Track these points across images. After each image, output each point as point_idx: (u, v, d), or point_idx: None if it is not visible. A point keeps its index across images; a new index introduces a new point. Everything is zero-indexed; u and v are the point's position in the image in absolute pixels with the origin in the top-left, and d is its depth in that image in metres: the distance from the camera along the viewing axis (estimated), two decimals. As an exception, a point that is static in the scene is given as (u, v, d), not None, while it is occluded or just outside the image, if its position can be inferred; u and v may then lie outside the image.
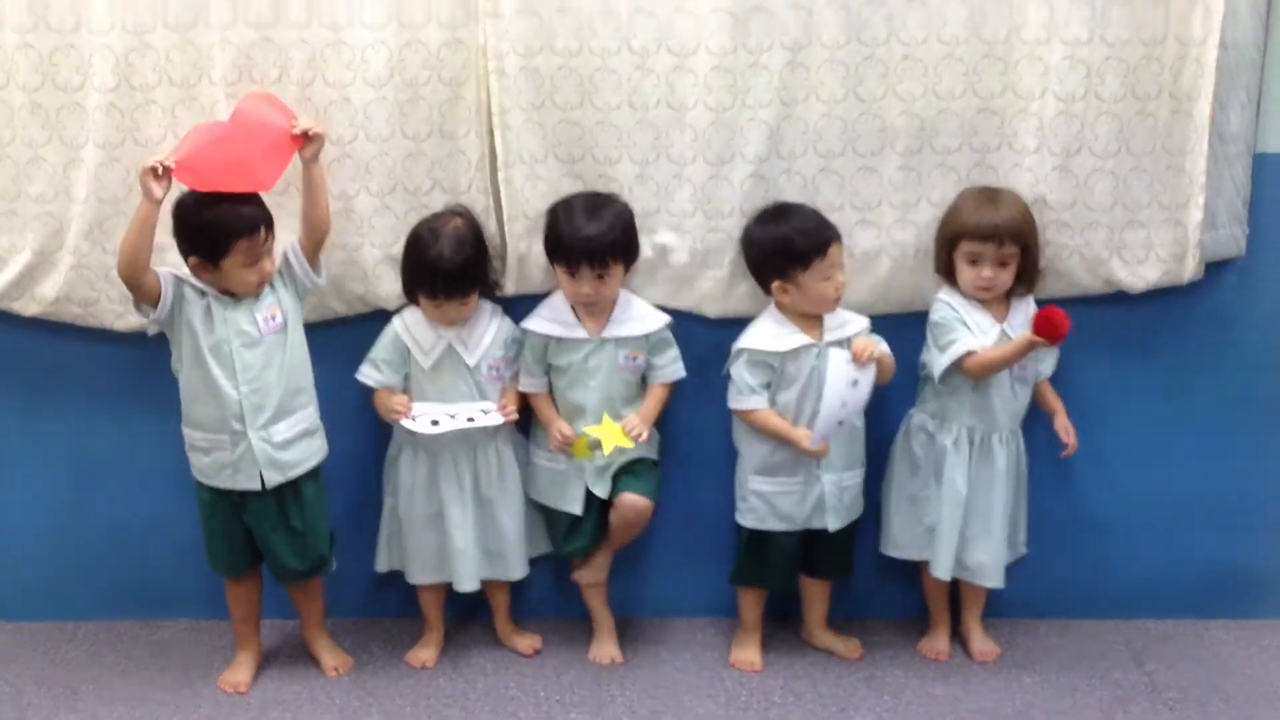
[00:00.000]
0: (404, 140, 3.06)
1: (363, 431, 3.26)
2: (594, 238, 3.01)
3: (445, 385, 3.11)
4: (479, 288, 3.10)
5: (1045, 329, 2.88)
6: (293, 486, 3.05)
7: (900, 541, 3.24)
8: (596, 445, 3.06)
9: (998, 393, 3.09)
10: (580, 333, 3.11)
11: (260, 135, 2.93)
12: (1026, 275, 3.07)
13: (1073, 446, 3.21)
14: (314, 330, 3.12)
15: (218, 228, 2.87)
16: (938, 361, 3.06)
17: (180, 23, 2.99)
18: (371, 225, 3.11)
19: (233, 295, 2.94)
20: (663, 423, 3.25)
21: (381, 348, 3.13)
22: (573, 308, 3.12)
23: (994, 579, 3.16)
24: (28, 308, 3.17)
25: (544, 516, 3.27)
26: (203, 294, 2.94)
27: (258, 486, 3.00)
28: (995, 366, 3.02)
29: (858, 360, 2.94)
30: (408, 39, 3.01)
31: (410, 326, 3.13)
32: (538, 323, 3.14)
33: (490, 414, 3.09)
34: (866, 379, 2.96)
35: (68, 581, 3.43)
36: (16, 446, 3.35)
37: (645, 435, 3.10)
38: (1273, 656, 3.26)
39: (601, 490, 3.15)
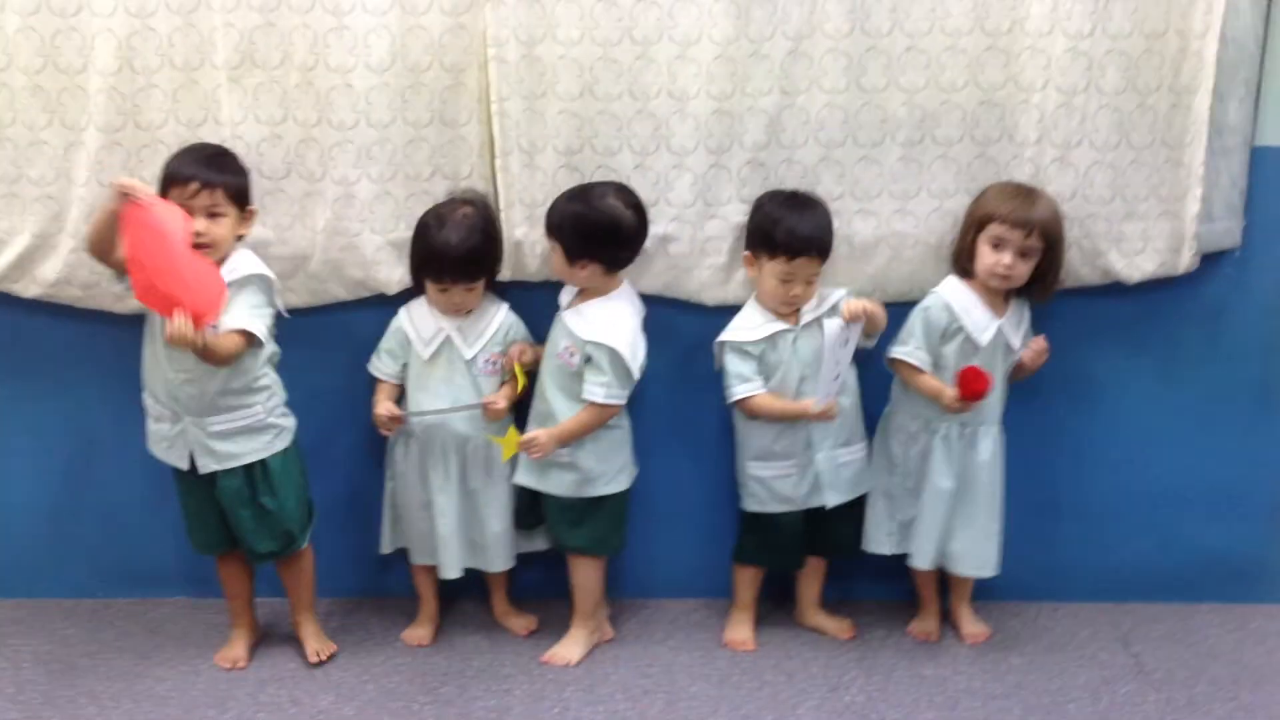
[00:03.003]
0: (405, 126, 3.06)
1: (369, 413, 3.25)
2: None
3: (441, 378, 3.12)
4: (485, 275, 3.09)
5: (969, 386, 2.98)
6: (261, 463, 3.04)
7: (874, 537, 3.25)
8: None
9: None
10: (565, 300, 3.14)
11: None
12: (1042, 283, 3.07)
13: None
14: (318, 315, 3.14)
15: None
16: (900, 351, 3.11)
17: (183, 6, 2.97)
18: (372, 211, 3.10)
19: None
20: (656, 407, 3.27)
21: (387, 337, 3.15)
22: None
23: (975, 568, 3.20)
24: (28, 290, 3.16)
25: None
26: None
27: (185, 467, 3.02)
28: (919, 389, 3.11)
29: (848, 316, 2.95)
30: (410, 24, 2.99)
31: (414, 317, 3.14)
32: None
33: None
34: (854, 334, 2.97)
35: (65, 559, 3.45)
36: (16, 426, 3.36)
37: (540, 451, 3.05)
38: (1259, 640, 3.30)
39: (519, 475, 3.18)
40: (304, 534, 3.14)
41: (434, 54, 3.02)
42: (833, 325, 2.96)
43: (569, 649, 3.23)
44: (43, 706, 2.99)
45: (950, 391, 3.03)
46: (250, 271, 2.94)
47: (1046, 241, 3.02)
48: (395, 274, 3.16)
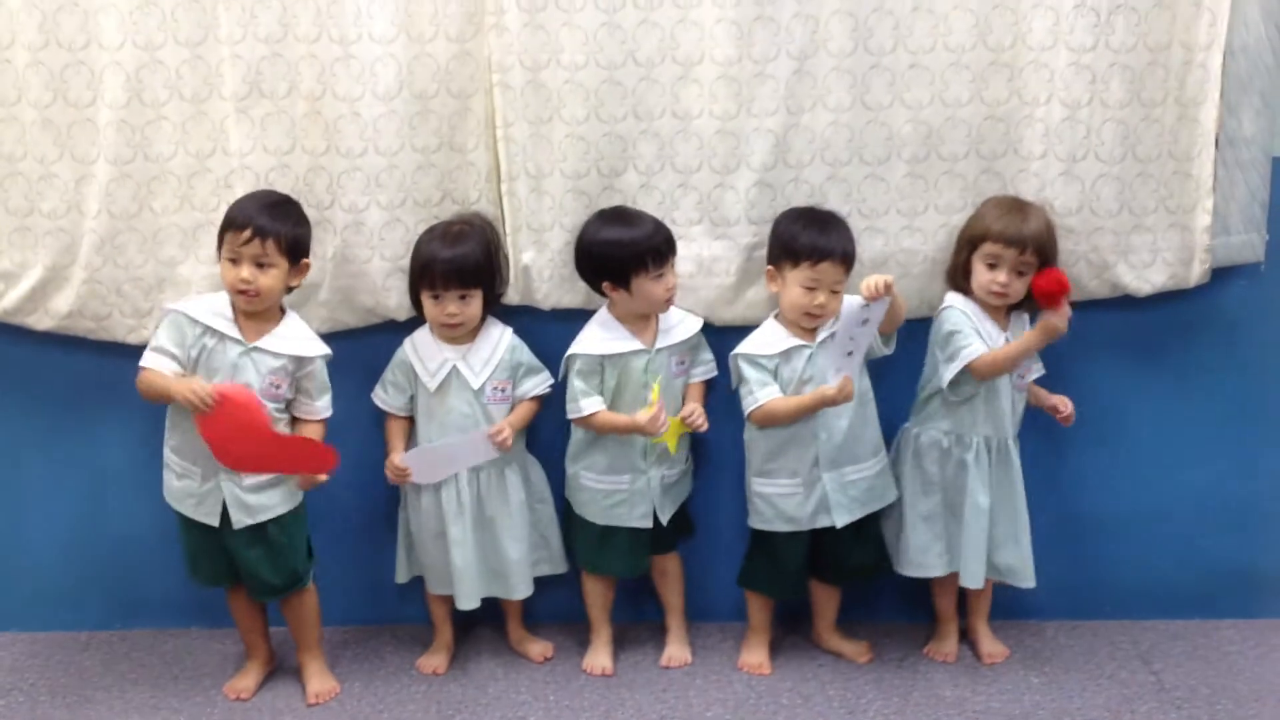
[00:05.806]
0: (413, 153, 3.08)
1: (383, 441, 3.24)
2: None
3: (450, 407, 3.12)
4: (478, 285, 3.07)
5: (1046, 289, 2.95)
6: None
7: (920, 561, 3.19)
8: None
9: (1006, 398, 3.10)
10: (636, 344, 3.10)
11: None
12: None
13: (1069, 414, 3.17)
14: (329, 342, 3.09)
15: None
16: (949, 367, 3.05)
17: (190, 39, 3.01)
18: (381, 238, 3.12)
19: (243, 342, 2.94)
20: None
21: (391, 369, 3.16)
22: (620, 321, 3.12)
23: (1026, 579, 3.18)
24: (41, 322, 3.18)
25: (593, 532, 3.24)
26: (215, 333, 2.93)
27: (215, 523, 3.01)
28: (1003, 365, 3.03)
29: (868, 294, 2.89)
30: (416, 52, 3.02)
31: (418, 347, 3.14)
32: (589, 344, 3.11)
33: (483, 442, 3.11)
34: (876, 314, 2.93)
35: (81, 592, 3.45)
36: (30, 459, 3.37)
37: (704, 422, 3.13)
38: (1280, 656, 3.29)
39: (665, 513, 3.20)
40: (308, 573, 3.13)
41: (440, 81, 3.05)
42: (852, 301, 2.93)
43: (685, 650, 3.32)
44: (59, 739, 3.00)
45: (1035, 331, 3.00)
46: (319, 354, 3.00)
47: (1041, 256, 3.01)
48: (405, 300, 3.16)
